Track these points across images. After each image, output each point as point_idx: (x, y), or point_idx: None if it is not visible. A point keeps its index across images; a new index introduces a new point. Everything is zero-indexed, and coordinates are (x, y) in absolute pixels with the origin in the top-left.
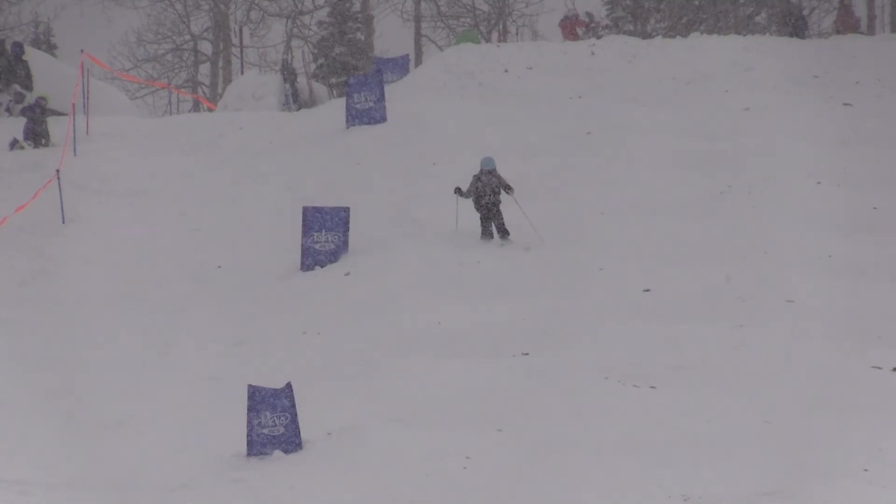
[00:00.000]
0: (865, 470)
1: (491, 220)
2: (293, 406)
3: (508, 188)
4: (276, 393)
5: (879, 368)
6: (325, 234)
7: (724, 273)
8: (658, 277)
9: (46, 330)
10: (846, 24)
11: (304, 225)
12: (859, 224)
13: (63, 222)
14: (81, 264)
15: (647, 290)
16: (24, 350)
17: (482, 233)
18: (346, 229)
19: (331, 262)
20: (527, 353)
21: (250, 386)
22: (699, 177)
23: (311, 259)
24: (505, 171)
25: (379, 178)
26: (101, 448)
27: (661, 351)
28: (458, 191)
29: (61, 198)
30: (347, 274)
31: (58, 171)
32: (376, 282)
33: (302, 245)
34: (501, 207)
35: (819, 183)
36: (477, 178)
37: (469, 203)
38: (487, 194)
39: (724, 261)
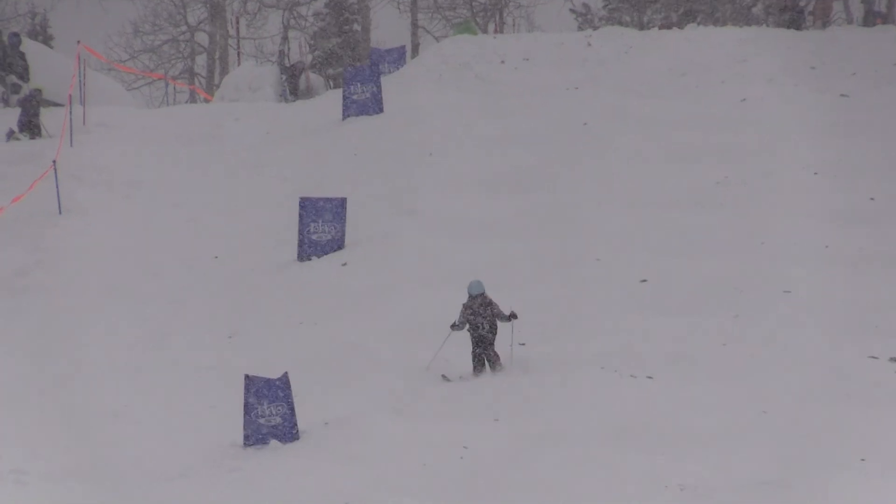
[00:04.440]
0: (862, 460)
1: (485, 351)
2: (290, 396)
3: (510, 317)
4: (272, 383)
5: (876, 358)
6: (321, 225)
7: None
8: (654, 268)
9: (43, 320)
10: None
11: (300, 215)
12: (856, 214)
13: (60, 213)
14: (78, 255)
15: (644, 281)
16: (20, 340)
17: (474, 368)
18: (343, 220)
19: (327, 252)
20: (523, 344)
21: (247, 376)
22: (695, 168)
23: (308, 249)
24: (502, 163)
25: (375, 169)
26: (98, 438)
27: (658, 341)
28: (454, 327)
29: (58, 188)
30: (344, 264)
31: (54, 161)
32: (373, 272)
33: (299, 235)
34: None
35: (816, 174)
36: (468, 308)
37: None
38: (485, 327)
39: (720, 252)
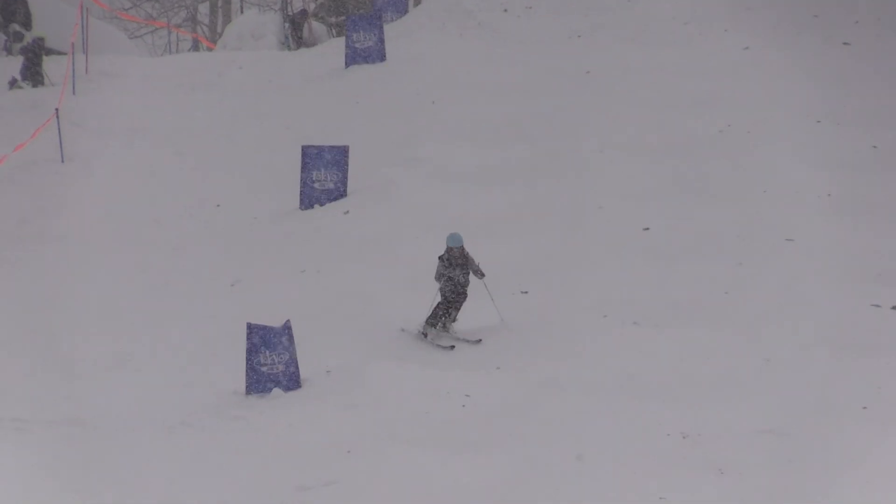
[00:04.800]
0: (864, 408)
1: (451, 310)
2: (292, 344)
3: (481, 273)
4: (275, 331)
5: (878, 307)
6: (324, 173)
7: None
8: (657, 216)
9: (45, 268)
10: None
11: (303, 164)
12: (859, 163)
13: (62, 161)
14: (80, 203)
15: (647, 229)
16: (22, 288)
17: (429, 322)
18: (345, 168)
19: (330, 200)
20: (526, 292)
21: (249, 324)
22: (698, 116)
23: (310, 198)
24: (504, 111)
25: (378, 118)
26: (99, 386)
27: (661, 289)
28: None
29: (60, 137)
30: (347, 212)
31: (57, 110)
32: (375, 220)
33: (301, 184)
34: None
35: (819, 122)
36: (445, 260)
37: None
38: (460, 281)
39: (723, 200)
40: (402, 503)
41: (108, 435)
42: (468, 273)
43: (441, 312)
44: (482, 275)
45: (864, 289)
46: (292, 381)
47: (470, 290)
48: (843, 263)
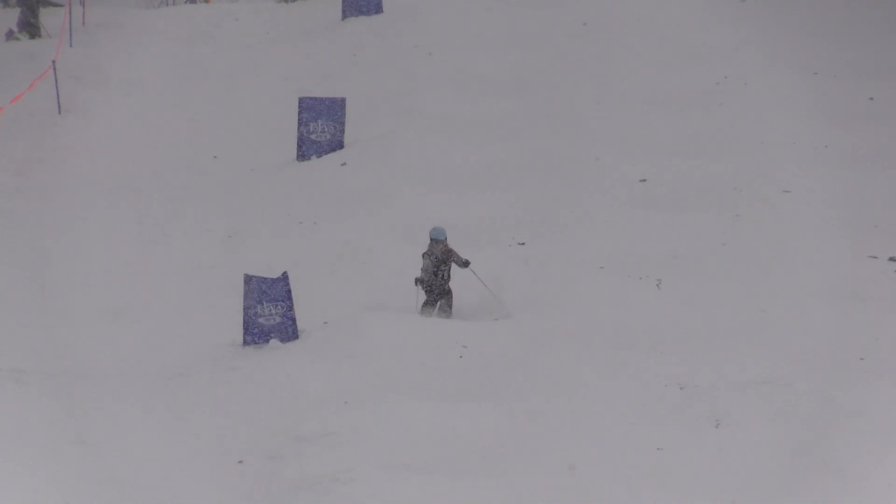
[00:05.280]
0: (861, 359)
1: (438, 298)
2: (289, 295)
3: (464, 262)
4: (272, 282)
5: (875, 258)
6: (321, 124)
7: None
8: (654, 168)
9: (42, 220)
10: None
11: (300, 115)
12: (855, 114)
13: (59, 113)
14: (77, 155)
15: (644, 181)
16: (19, 240)
17: (425, 303)
18: (342, 120)
19: (327, 152)
20: (523, 243)
21: (246, 275)
22: (695, 68)
23: (308, 149)
24: (501, 63)
25: (375, 69)
26: (98, 337)
27: (658, 241)
28: (418, 282)
29: (57, 88)
30: (344, 164)
31: (54, 62)
32: (372, 172)
33: (298, 135)
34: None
35: (815, 74)
36: (430, 255)
37: None
38: (444, 276)
39: (720, 151)
40: (400, 453)
41: (106, 386)
42: (449, 269)
43: (428, 305)
44: (466, 263)
45: (861, 240)
46: (290, 332)
47: (457, 284)
48: (839, 215)
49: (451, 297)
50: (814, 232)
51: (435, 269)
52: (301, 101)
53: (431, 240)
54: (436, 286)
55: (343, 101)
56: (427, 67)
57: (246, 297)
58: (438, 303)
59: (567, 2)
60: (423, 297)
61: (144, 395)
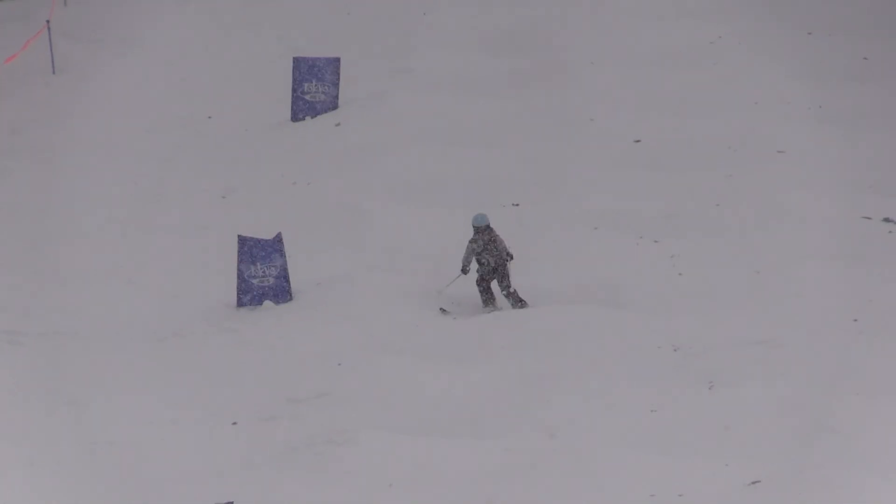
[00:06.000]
0: (855, 319)
1: (497, 282)
2: (283, 256)
3: (509, 255)
4: (266, 243)
5: (869, 218)
6: (315, 84)
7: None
8: (648, 127)
9: (36, 179)
10: None
11: (294, 75)
12: (850, 74)
13: (53, 72)
14: (71, 114)
15: (638, 141)
16: (13, 200)
17: (484, 302)
18: (337, 79)
19: (321, 112)
20: (517, 204)
21: (240, 236)
22: (689, 26)
23: (302, 110)
24: (495, 22)
25: (369, 28)
26: (90, 298)
27: (652, 201)
28: (464, 271)
29: (51, 47)
30: (338, 124)
31: (48, 21)
32: (367, 132)
33: (292, 95)
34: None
35: (810, 34)
36: (474, 242)
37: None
38: (490, 265)
39: (714, 111)
40: (394, 414)
41: (100, 346)
42: (500, 259)
43: (485, 292)
44: (511, 257)
45: (855, 200)
46: (283, 294)
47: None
48: (833, 175)
49: (511, 288)
50: (808, 192)
51: (479, 258)
52: (295, 60)
53: (474, 228)
54: (489, 268)
55: (337, 60)
56: (421, 26)
57: (240, 258)
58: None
59: None
60: (455, 287)
61: (138, 356)
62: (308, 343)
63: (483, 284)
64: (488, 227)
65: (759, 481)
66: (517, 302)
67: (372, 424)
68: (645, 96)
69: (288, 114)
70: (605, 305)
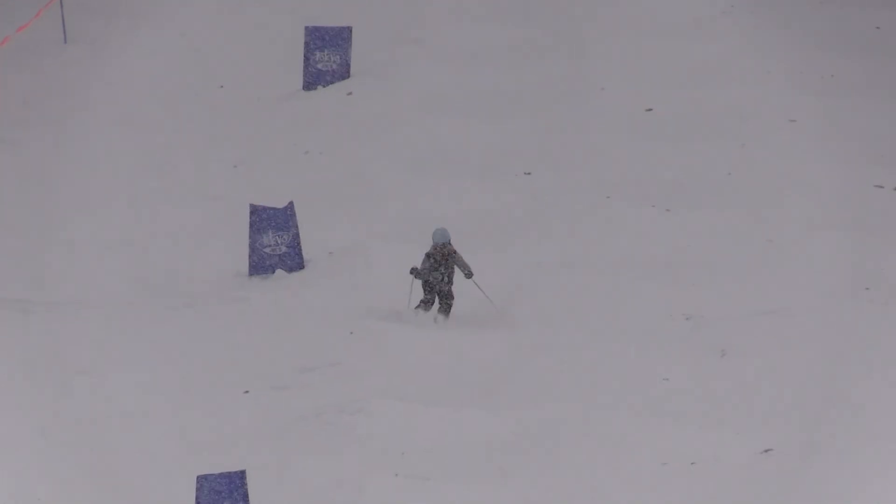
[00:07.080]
0: (867, 288)
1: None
2: (295, 225)
3: (468, 272)
4: (278, 212)
5: (881, 187)
6: (327, 54)
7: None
8: (660, 97)
9: (48, 150)
10: None
11: (305, 44)
12: (862, 43)
13: (65, 42)
14: (83, 84)
15: (650, 110)
16: (24, 169)
17: (421, 303)
18: (349, 49)
19: (333, 81)
20: (529, 173)
21: (252, 205)
22: None
23: (314, 78)
24: None
25: None
26: (102, 267)
27: (663, 171)
28: (414, 271)
29: (63, 17)
30: (350, 94)
31: None
32: (379, 101)
33: (304, 64)
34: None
35: (822, 2)
36: (431, 257)
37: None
38: (443, 280)
39: (726, 80)
40: (406, 384)
41: (111, 316)
42: (452, 273)
43: (424, 303)
44: (470, 274)
45: (867, 169)
46: (295, 263)
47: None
48: (845, 144)
49: (451, 301)
50: (820, 161)
51: (432, 273)
52: (307, 29)
53: (434, 245)
54: (434, 283)
55: (349, 29)
56: None
57: (252, 227)
58: (435, 304)
59: None
60: (418, 293)
61: (150, 326)
62: (319, 312)
63: (428, 287)
64: (445, 244)
65: (771, 449)
66: (447, 313)
67: (384, 394)
68: (657, 66)
69: (300, 83)
70: (617, 273)
